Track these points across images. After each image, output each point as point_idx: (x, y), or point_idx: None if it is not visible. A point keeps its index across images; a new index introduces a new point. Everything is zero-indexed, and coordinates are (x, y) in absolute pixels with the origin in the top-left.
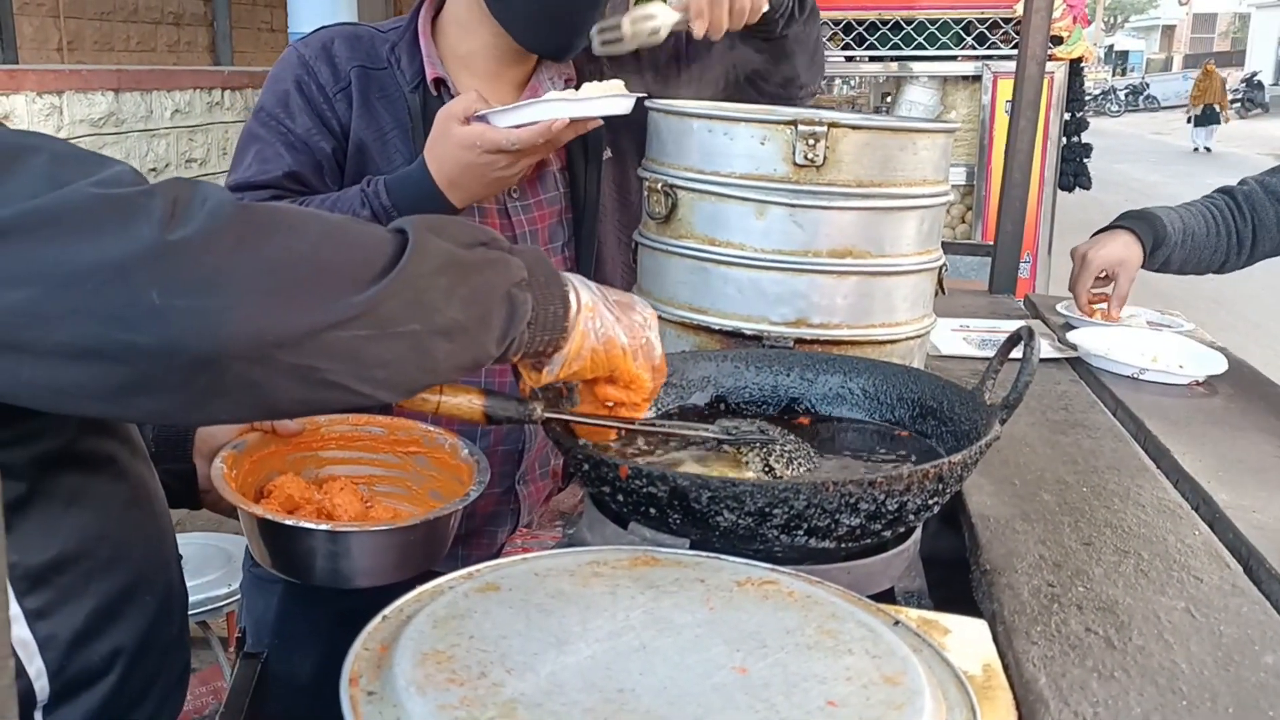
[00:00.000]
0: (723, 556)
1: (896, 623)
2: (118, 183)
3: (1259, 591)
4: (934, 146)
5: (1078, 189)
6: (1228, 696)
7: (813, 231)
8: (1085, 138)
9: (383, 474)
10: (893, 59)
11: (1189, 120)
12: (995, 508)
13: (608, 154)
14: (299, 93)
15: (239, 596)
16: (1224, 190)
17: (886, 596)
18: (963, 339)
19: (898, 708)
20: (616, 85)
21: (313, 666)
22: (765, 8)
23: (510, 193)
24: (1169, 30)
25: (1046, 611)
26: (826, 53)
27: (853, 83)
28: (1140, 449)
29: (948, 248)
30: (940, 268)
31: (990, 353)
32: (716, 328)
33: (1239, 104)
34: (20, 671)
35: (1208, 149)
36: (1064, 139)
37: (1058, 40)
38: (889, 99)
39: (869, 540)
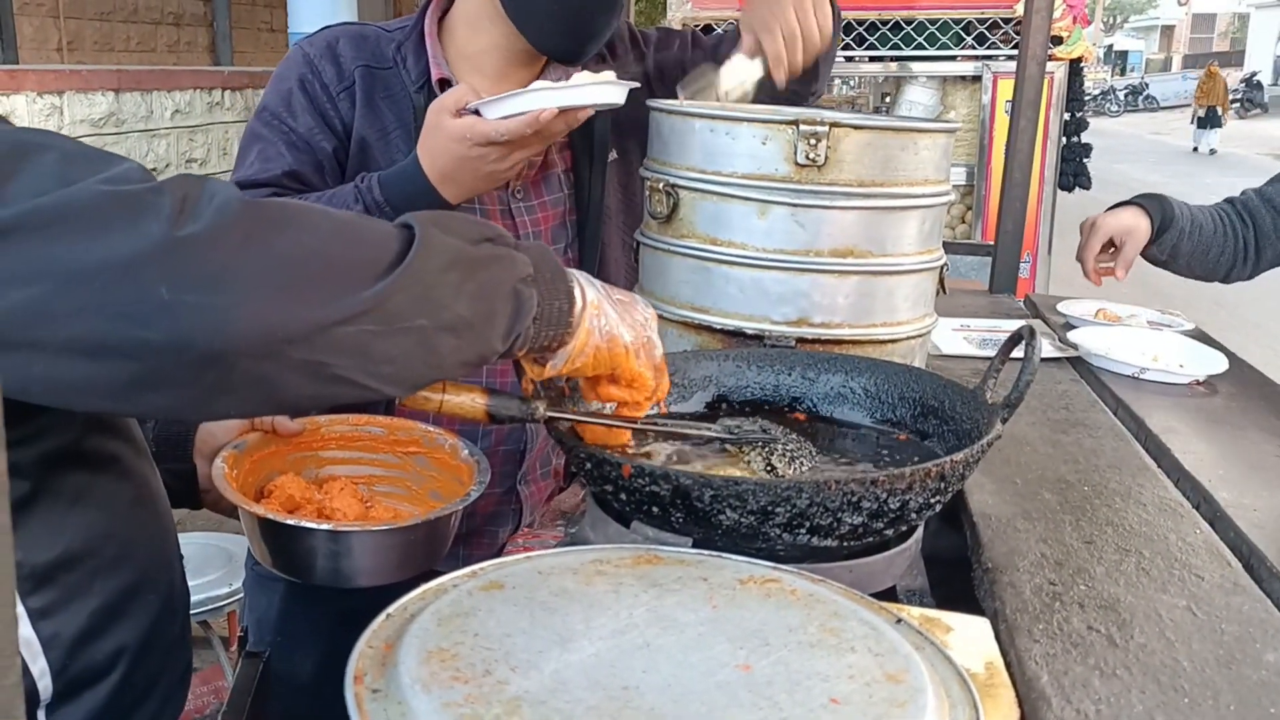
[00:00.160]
0: (725, 555)
1: (899, 621)
2: (126, 180)
3: (1260, 590)
4: (935, 146)
5: (1078, 189)
6: (1229, 694)
7: (814, 231)
8: (1085, 138)
9: (383, 474)
10: (892, 59)
11: (1193, 121)
12: (997, 506)
13: (613, 155)
14: (302, 92)
15: (240, 596)
16: (1226, 200)
17: (888, 595)
18: (963, 338)
19: (900, 705)
20: (608, 75)
21: (314, 665)
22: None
23: (514, 193)
24: (1168, 30)
25: (1048, 609)
26: None
27: (852, 83)
28: (1141, 448)
29: (948, 248)
30: (941, 267)
31: (990, 352)
32: (718, 327)
33: (1238, 104)
34: (23, 670)
35: (1212, 150)
36: (1064, 139)
37: (1058, 40)
38: (888, 99)
39: (871, 539)
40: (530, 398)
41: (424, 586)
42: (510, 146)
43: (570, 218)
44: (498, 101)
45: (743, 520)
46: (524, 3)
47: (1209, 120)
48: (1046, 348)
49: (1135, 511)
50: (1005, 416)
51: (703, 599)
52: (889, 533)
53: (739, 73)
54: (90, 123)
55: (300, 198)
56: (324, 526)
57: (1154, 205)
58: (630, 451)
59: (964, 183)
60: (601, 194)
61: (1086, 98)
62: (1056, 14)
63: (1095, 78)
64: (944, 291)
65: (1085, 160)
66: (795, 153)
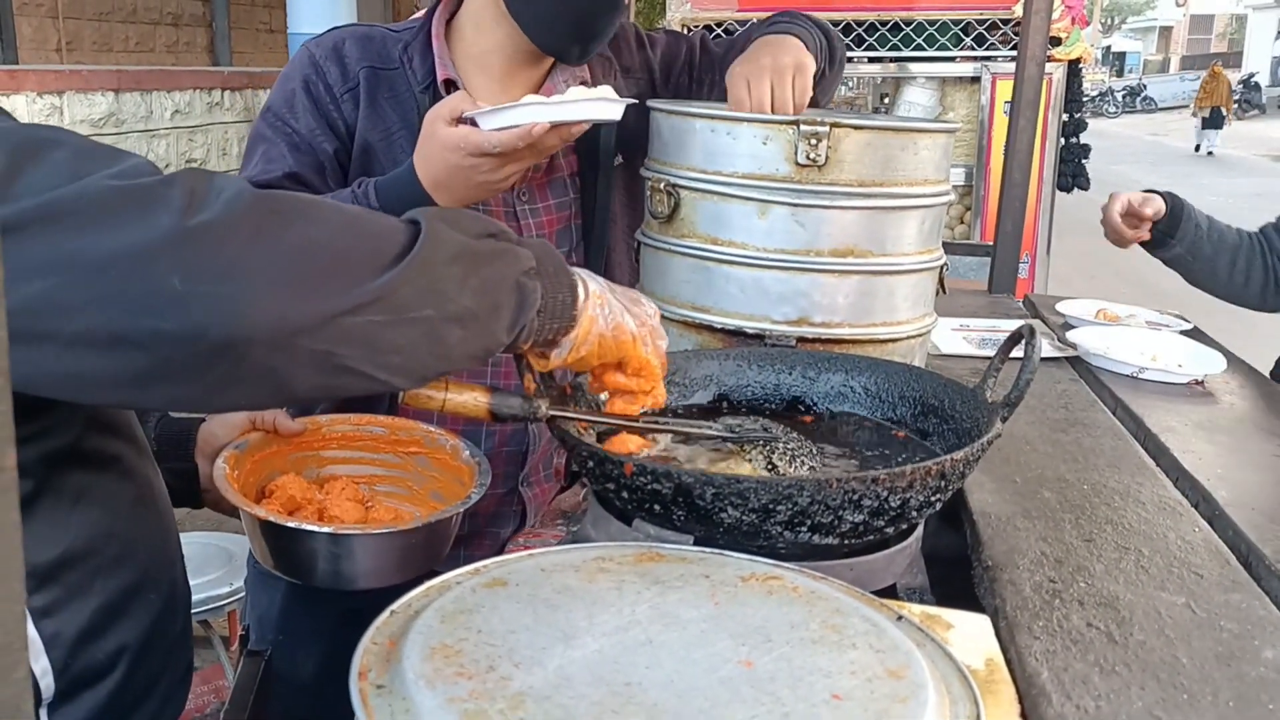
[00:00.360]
0: (727, 552)
1: (900, 618)
2: (136, 174)
3: (1259, 587)
4: (935, 146)
5: (1076, 189)
6: (1228, 691)
7: (814, 231)
8: (1083, 138)
9: (384, 474)
10: (891, 60)
11: (1194, 115)
12: (997, 505)
13: (618, 160)
14: (305, 93)
15: (240, 595)
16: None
17: (889, 593)
18: (963, 338)
19: (902, 701)
20: (605, 91)
21: (316, 664)
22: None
23: (519, 195)
24: (1166, 31)
25: (1048, 607)
26: None
27: (851, 84)
28: (1140, 447)
29: (948, 248)
30: (941, 267)
31: (990, 352)
32: (719, 326)
33: (1236, 105)
34: None
35: (1210, 152)
36: (1062, 140)
37: (1056, 41)
38: (887, 100)
39: (872, 537)
40: (533, 396)
41: (427, 584)
42: (503, 159)
43: (575, 221)
44: (493, 113)
45: (744, 518)
46: (527, 3)
47: (1211, 121)
48: (1046, 347)
49: (1134, 510)
50: (1005, 415)
51: (705, 596)
52: (890, 531)
53: None
54: (90, 123)
55: None
56: (325, 529)
57: (1167, 194)
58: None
59: (963, 183)
60: (608, 198)
61: (1085, 99)
62: (1055, 15)
63: (1093, 79)
64: (943, 291)
65: (1084, 161)
66: (796, 153)
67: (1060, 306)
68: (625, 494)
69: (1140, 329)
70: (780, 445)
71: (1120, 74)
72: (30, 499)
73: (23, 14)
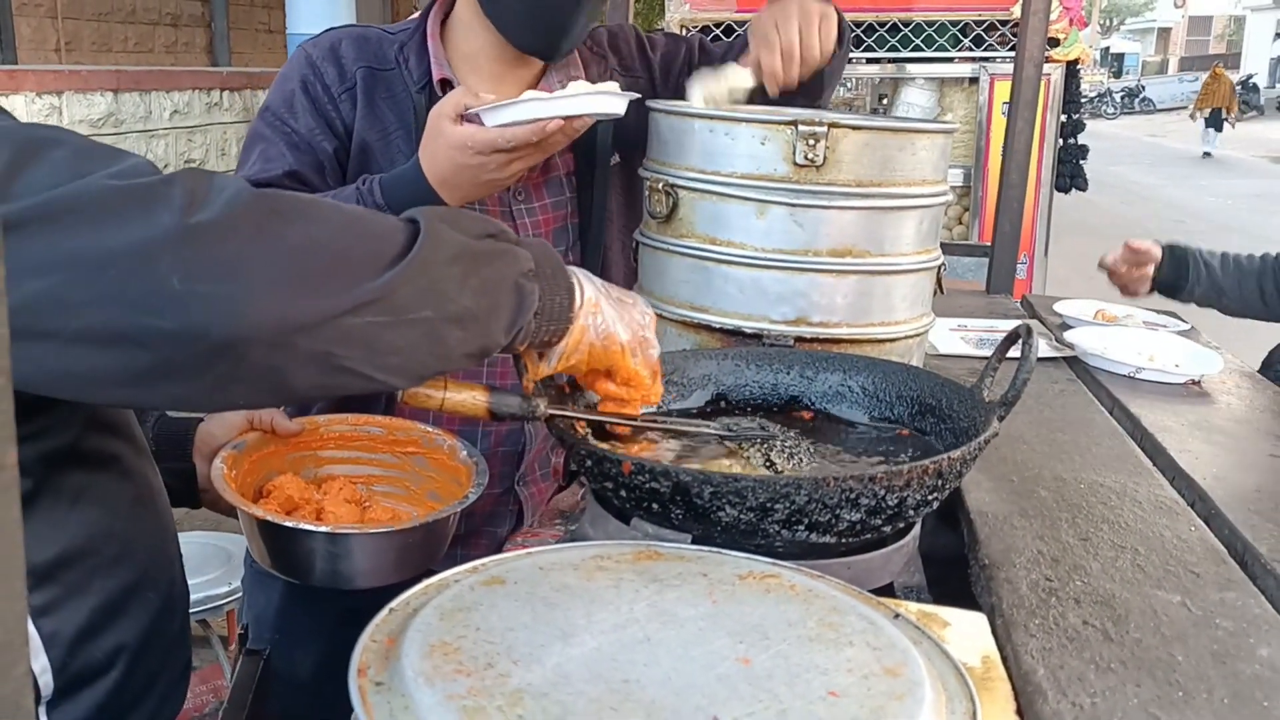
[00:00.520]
0: (725, 551)
1: (897, 616)
2: (136, 173)
3: (1254, 586)
4: (933, 147)
5: (1074, 190)
6: (1223, 688)
7: (813, 231)
8: (1081, 139)
9: (381, 474)
10: (890, 61)
11: (1193, 119)
12: (994, 504)
13: (615, 159)
14: (304, 93)
15: (238, 595)
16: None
17: (886, 591)
18: (961, 338)
19: (898, 698)
20: (610, 86)
21: (314, 664)
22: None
23: (516, 195)
24: (1165, 33)
25: (1044, 605)
26: None
27: (850, 84)
28: (1137, 447)
29: (946, 248)
30: (939, 267)
31: (987, 352)
32: (717, 326)
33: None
34: None
35: (1207, 154)
36: (1060, 141)
37: (1054, 42)
38: (886, 101)
39: (869, 535)
40: (531, 395)
41: (426, 582)
42: (511, 155)
43: (572, 221)
44: (498, 109)
45: (742, 517)
46: (495, 4)
47: (1213, 123)
48: (1043, 347)
49: (1131, 509)
50: (1002, 415)
51: (702, 594)
52: (887, 529)
53: (729, 80)
54: (89, 123)
55: None
56: (322, 529)
57: (1165, 244)
58: (634, 449)
59: (961, 184)
60: (604, 197)
61: (1083, 100)
62: (1053, 16)
63: (1092, 80)
64: (941, 291)
65: (1082, 162)
66: (794, 153)
67: (1058, 307)
68: (623, 492)
69: (1137, 329)
70: (778, 444)
71: (1118, 75)
72: (29, 498)
73: (22, 14)
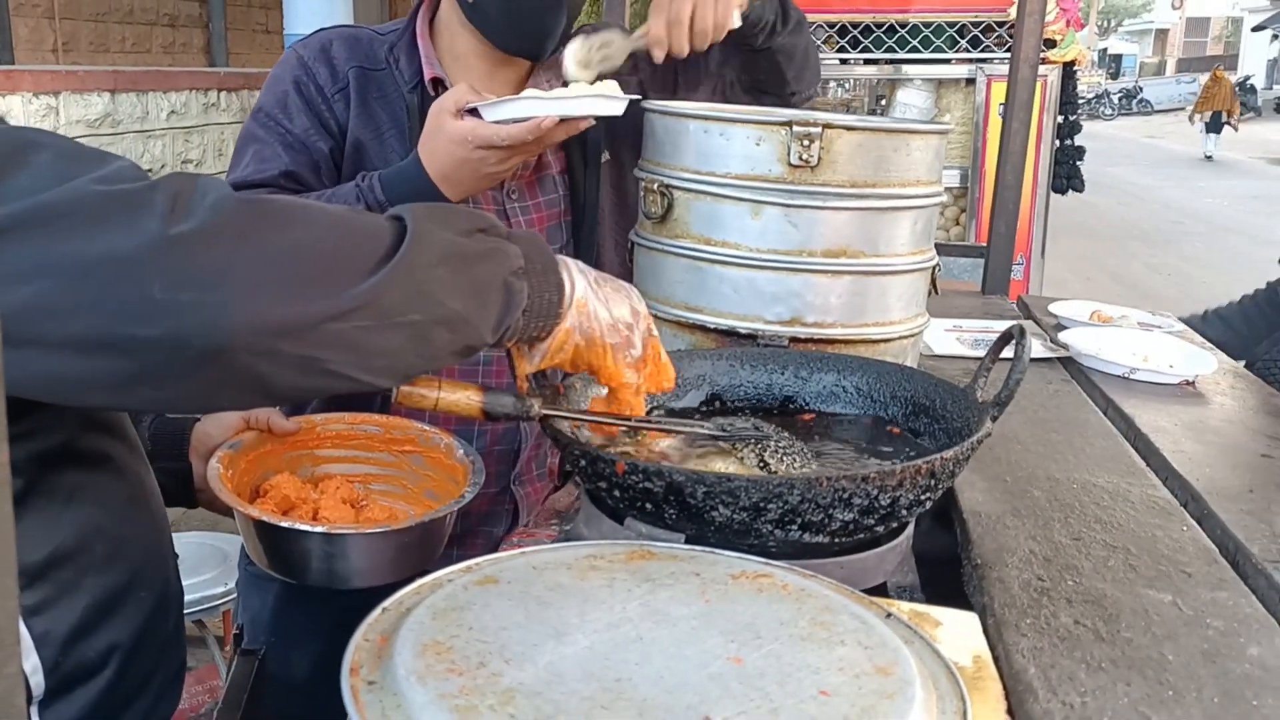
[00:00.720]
0: (718, 550)
1: (889, 615)
2: (120, 178)
3: (1245, 585)
4: (927, 148)
5: (1071, 191)
6: (1213, 687)
7: (807, 231)
8: (1078, 141)
9: (378, 473)
10: (887, 62)
11: (1193, 122)
12: (987, 504)
13: (606, 157)
14: (297, 93)
15: (234, 595)
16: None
17: (879, 591)
18: (955, 339)
19: (889, 697)
20: (610, 86)
21: (309, 664)
22: (733, 25)
23: (509, 193)
24: (1162, 34)
25: (1036, 605)
26: (820, 56)
27: (847, 85)
28: (1130, 447)
29: (941, 249)
30: (933, 268)
31: (982, 352)
32: (712, 326)
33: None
34: None
35: (1208, 156)
36: (1057, 142)
37: (1051, 43)
38: (883, 102)
39: (862, 535)
40: (525, 396)
41: (419, 581)
42: (510, 151)
43: (565, 219)
44: (497, 105)
45: (735, 516)
46: (475, 8)
47: (1213, 126)
48: (1038, 348)
49: (1123, 509)
50: (995, 415)
51: (695, 593)
52: (880, 529)
53: (600, 39)
54: (86, 123)
55: (301, 197)
56: (319, 529)
57: None
58: (630, 446)
59: (958, 185)
60: (596, 196)
61: (1080, 101)
62: (1050, 17)
63: (1089, 81)
64: (936, 292)
65: (1078, 163)
66: (789, 153)
67: (1053, 308)
68: (617, 492)
69: (1132, 330)
70: (771, 444)
71: (1116, 76)
72: (21, 497)
73: (19, 14)
